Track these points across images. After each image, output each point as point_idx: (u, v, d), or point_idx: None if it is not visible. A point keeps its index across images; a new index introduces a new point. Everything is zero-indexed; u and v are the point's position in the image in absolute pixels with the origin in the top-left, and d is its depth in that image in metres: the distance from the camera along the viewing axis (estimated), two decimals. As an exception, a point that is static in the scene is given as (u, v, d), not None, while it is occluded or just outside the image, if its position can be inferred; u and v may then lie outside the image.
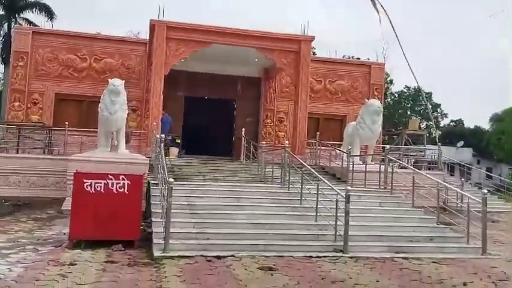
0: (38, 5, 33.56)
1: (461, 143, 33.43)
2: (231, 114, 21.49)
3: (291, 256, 7.85)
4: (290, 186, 11.31)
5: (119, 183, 8.06)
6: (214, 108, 22.05)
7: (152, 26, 16.50)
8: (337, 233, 8.64)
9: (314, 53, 39.49)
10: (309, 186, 10.44)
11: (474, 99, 73.66)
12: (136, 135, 17.78)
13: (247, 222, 9.19)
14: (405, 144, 21.66)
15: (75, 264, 6.74)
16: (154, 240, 7.83)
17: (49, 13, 33.51)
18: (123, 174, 8.21)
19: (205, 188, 10.81)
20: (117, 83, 12.99)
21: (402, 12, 61.23)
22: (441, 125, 56.54)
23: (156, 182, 10.20)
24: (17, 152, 15.60)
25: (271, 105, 21.30)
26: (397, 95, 54.54)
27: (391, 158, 12.23)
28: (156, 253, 7.47)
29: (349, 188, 8.56)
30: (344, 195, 8.51)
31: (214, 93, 21.00)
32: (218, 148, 19.99)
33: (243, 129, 16.10)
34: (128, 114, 13.69)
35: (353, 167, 13.60)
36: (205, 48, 17.21)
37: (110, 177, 8.05)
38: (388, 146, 12.86)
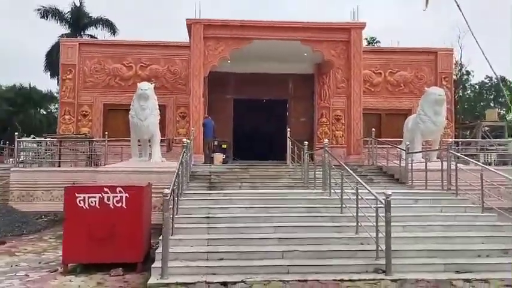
0: (101, 21, 34.53)
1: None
2: (283, 115, 20.13)
3: (317, 280, 6.38)
4: (332, 191, 9.76)
5: (116, 196, 7.07)
6: (265, 110, 20.88)
7: (189, 26, 15.62)
8: (379, 248, 7.01)
9: (374, 43, 37.48)
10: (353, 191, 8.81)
11: None
12: (177, 142, 16.98)
13: (272, 237, 7.82)
14: (483, 138, 19.06)
15: (57, 294, 5.80)
16: (155, 264, 6.69)
17: (112, 28, 34.43)
18: (121, 186, 7.18)
19: (232, 197, 9.56)
20: (146, 86, 12.21)
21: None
22: (528, 115, 50.94)
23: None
24: (59, 166, 15.34)
25: (326, 102, 19.63)
26: (477, 87, 50.03)
27: (454, 153, 10.22)
28: (152, 280, 6.34)
29: (389, 191, 6.91)
30: (383, 201, 6.87)
31: (265, 93, 19.78)
32: (271, 152, 18.76)
33: (288, 129, 14.66)
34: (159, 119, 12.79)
35: (411, 165, 11.74)
36: (250, 47, 16.07)
37: (106, 190, 7.07)
38: (450, 140, 10.82)
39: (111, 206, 7.03)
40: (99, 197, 7.03)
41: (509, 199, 8.48)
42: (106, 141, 15.31)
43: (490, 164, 19.66)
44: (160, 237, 8.20)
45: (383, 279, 6.48)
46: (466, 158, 10.27)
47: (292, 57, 17.87)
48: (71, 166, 15.40)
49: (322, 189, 10.28)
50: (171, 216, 7.70)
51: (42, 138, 18.52)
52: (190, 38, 16.05)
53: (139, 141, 13.18)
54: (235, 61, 17.97)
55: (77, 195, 7.04)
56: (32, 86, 42.24)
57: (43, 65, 34.04)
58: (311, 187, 11.17)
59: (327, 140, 10.44)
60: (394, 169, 13.08)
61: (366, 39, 37.40)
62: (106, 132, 15.65)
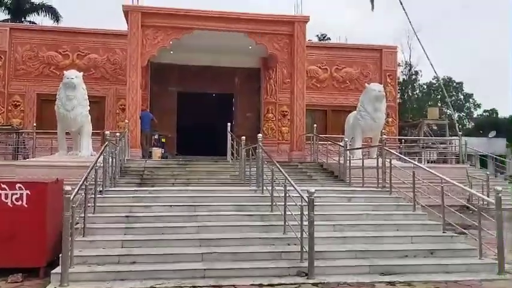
0: (43, 7, 32.78)
1: (494, 133, 30.39)
2: (229, 109, 19.63)
3: (233, 285, 5.94)
4: (265, 189, 9.36)
5: (16, 194, 6.34)
6: (211, 104, 20.34)
7: (126, 13, 14.80)
8: (304, 249, 6.65)
9: (325, 40, 37.57)
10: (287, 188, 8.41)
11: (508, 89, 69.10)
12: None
13: (194, 238, 7.32)
14: (425, 136, 19.30)
15: None
16: (56, 269, 6.03)
17: (55, 15, 32.75)
18: (21, 182, 6.47)
19: (159, 195, 8.97)
20: (72, 75, 11.43)
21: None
22: (474, 115, 52.92)
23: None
24: (-20, 158, 14.22)
25: (272, 98, 19.32)
26: (425, 87, 51.37)
27: (389, 150, 10.07)
28: (50, 287, 5.70)
29: (313, 189, 6.54)
30: (307, 199, 6.50)
31: (211, 87, 19.25)
32: (216, 147, 18.25)
33: (229, 124, 14.19)
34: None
35: (350, 162, 11.55)
36: (193, 38, 15.45)
37: (3, 186, 6.33)
38: (384, 137, 10.63)
39: (9, 204, 6.31)
40: (-5, 194, 6.29)
41: (441, 197, 8.30)
42: (34, 133, 14.28)
43: (433, 162, 20.07)
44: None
45: (304, 283, 6.12)
46: (398, 155, 10.12)
47: (238, 50, 17.42)
48: (-5, 159, 14.29)
49: (256, 187, 9.87)
50: (84, 215, 7.11)
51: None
52: (128, 25, 15.24)
53: (68, 133, 12.37)
54: (179, 52, 17.34)
55: (-32, 192, 6.26)
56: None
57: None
58: (248, 184, 10.76)
59: (260, 135, 10.02)
60: (334, 166, 12.89)
61: (317, 35, 37.55)
62: (34, 124, 14.62)
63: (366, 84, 13.17)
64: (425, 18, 62.59)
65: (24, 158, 14.36)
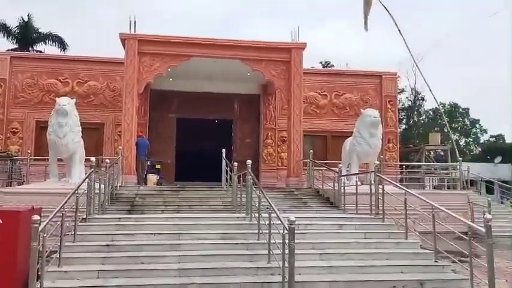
0: (50, 36, 33.35)
1: (499, 158, 29.97)
2: (229, 135, 19.55)
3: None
4: (253, 216, 9.13)
5: (-13, 222, 6.17)
6: (210, 130, 20.31)
7: (123, 41, 14.92)
8: (285, 280, 6.38)
9: (328, 67, 37.64)
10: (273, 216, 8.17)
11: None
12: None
13: (174, 268, 7.08)
14: (427, 161, 18.99)
15: None
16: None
17: (62, 44, 33.30)
18: (-8, 211, 6.31)
19: (144, 222, 8.78)
20: (64, 101, 11.40)
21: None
22: (481, 141, 52.43)
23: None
24: (-25, 186, 14.17)
25: (271, 124, 19.26)
26: (431, 112, 51.16)
27: (381, 176, 9.83)
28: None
29: (293, 217, 6.30)
30: (288, 227, 6.27)
31: (210, 113, 19.30)
32: (214, 173, 18.10)
33: (223, 150, 14.05)
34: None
35: (344, 188, 11.32)
36: (191, 65, 15.56)
37: (-28, 214, 6.16)
38: (377, 162, 10.42)
39: (-22, 233, 6.13)
40: (-36, 222, 6.12)
41: (432, 225, 8.00)
42: (28, 160, 14.24)
43: (434, 188, 19.70)
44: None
45: (282, 318, 5.85)
46: (389, 180, 9.87)
47: (236, 77, 17.49)
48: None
49: (246, 214, 9.64)
50: (60, 244, 6.93)
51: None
52: (125, 53, 15.33)
53: (61, 160, 12.30)
54: (178, 79, 17.44)
55: None
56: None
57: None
58: (238, 211, 10.52)
59: (249, 161, 9.83)
60: (330, 192, 12.64)
61: (321, 62, 37.70)
62: (29, 151, 14.60)
63: (362, 110, 13.03)
64: (439, 37, 62.81)
65: (19, 185, 14.30)
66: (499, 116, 63.46)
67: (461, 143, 50.34)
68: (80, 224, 8.15)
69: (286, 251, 6.37)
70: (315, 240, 8.30)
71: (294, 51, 15.67)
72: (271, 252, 7.26)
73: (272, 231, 7.34)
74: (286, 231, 6.41)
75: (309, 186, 14.30)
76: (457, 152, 20.67)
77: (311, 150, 15.14)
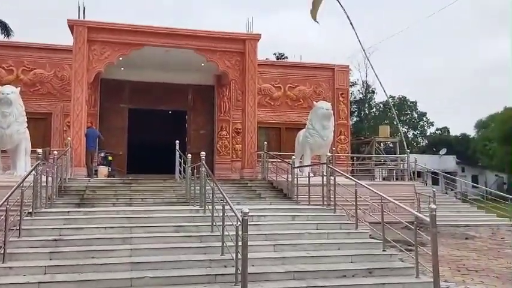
0: (-8, 21, 31.66)
1: (444, 150, 31.32)
2: (182, 127, 19.33)
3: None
4: (207, 208, 9.10)
5: None
6: (164, 121, 20.02)
7: (71, 27, 14.36)
8: (238, 271, 6.41)
9: (282, 59, 37.94)
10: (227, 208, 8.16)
11: (460, 107, 72.13)
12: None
13: (125, 261, 6.95)
14: (376, 153, 19.55)
15: None
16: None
17: (6, 30, 31.69)
18: None
19: (94, 216, 8.55)
20: (8, 90, 10.81)
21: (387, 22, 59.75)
22: (427, 133, 54.58)
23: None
24: None
25: (226, 115, 19.17)
26: (382, 105, 52.73)
27: (333, 167, 10.04)
28: None
29: (246, 209, 6.32)
30: (241, 219, 6.28)
31: (163, 104, 18.95)
32: (168, 165, 17.87)
33: (177, 141, 13.87)
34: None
35: (297, 180, 11.48)
36: (143, 54, 15.21)
37: None
38: (329, 154, 10.64)
39: None
40: None
41: (381, 215, 8.25)
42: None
43: (384, 179, 20.35)
44: None
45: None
46: (341, 172, 10.10)
47: (190, 67, 17.27)
48: None
49: (199, 206, 9.59)
50: (4, 239, 6.64)
51: None
52: (73, 40, 14.78)
53: (5, 152, 11.74)
54: (131, 68, 17.01)
55: None
56: None
57: None
58: (192, 203, 10.44)
59: (203, 152, 9.75)
60: (284, 184, 12.79)
61: (275, 54, 37.91)
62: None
63: (314, 102, 13.20)
64: (396, 28, 64.46)
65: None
66: (445, 108, 66.38)
67: (409, 136, 52.20)
68: (26, 218, 7.85)
69: (240, 243, 6.39)
70: (269, 231, 8.37)
71: (248, 42, 15.64)
72: (225, 245, 7.27)
73: (226, 223, 7.34)
74: (239, 223, 6.42)
75: (263, 178, 14.40)
76: (405, 144, 21.41)
77: (265, 142, 15.23)
